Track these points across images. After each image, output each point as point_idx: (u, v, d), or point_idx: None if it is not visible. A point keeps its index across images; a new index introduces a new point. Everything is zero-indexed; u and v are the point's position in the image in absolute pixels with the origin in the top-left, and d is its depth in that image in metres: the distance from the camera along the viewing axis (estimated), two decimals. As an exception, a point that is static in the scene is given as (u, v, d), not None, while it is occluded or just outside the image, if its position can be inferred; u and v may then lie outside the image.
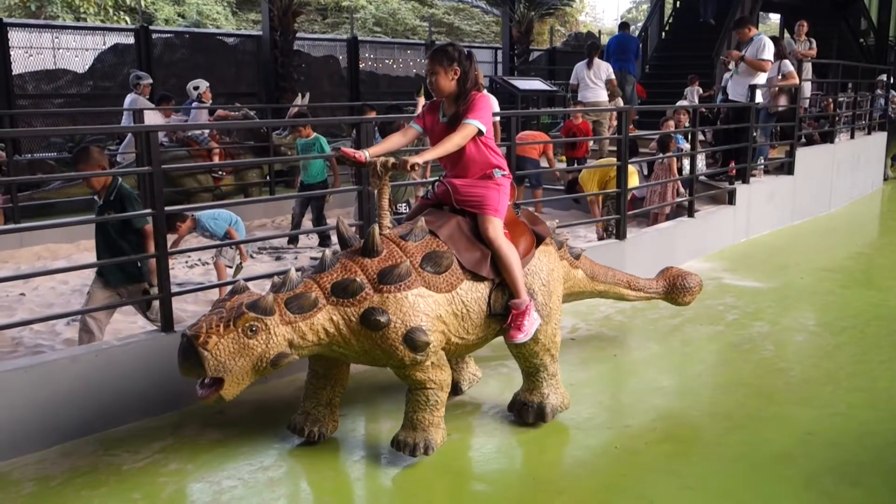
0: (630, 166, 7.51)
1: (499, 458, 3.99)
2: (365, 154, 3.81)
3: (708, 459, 3.91)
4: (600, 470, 3.85)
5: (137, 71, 11.93)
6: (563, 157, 12.18)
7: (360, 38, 20.34)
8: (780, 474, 3.74)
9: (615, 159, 7.70)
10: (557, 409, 4.25)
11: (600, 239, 8.36)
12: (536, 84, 14.17)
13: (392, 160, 3.82)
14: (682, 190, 8.95)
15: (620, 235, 7.12)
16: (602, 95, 11.74)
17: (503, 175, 4.03)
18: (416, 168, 3.74)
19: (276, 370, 3.47)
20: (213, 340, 3.25)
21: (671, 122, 10.34)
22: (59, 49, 16.76)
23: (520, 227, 4.15)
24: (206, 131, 11.18)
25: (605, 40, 18.55)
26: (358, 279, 3.57)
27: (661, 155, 8.88)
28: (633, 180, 8.01)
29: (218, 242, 6.77)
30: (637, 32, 21.07)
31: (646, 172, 9.52)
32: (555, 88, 15.30)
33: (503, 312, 3.93)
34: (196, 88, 11.51)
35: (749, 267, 8.00)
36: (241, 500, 3.53)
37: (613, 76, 11.86)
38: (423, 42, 23.25)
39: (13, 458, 3.92)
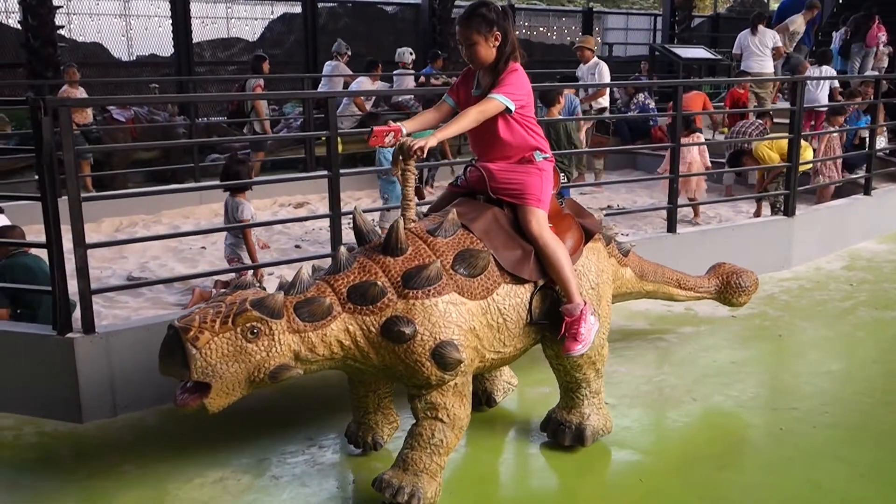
0: (803, 140, 7.13)
1: (654, 431, 3.98)
2: (402, 128, 3.28)
3: (882, 448, 3.73)
4: (764, 450, 3.76)
5: (342, 41, 12.48)
6: (725, 129, 11.73)
7: (515, 5, 20.23)
8: (964, 470, 3.53)
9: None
10: (599, 432, 3.69)
11: (756, 215, 8.04)
12: (699, 52, 13.66)
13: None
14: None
15: (789, 212, 6.80)
16: (768, 65, 11.21)
17: (545, 158, 3.47)
18: (422, 153, 3.21)
19: (274, 384, 2.95)
20: (204, 337, 2.76)
21: (858, 98, 9.71)
22: (231, 18, 17.76)
23: (566, 220, 3.58)
24: (412, 97, 11.63)
25: (774, 6, 17.56)
26: (379, 283, 3.04)
27: (831, 129, 8.40)
28: (807, 154, 7.62)
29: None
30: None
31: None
32: (718, 57, 14.68)
33: (545, 321, 3.41)
34: (412, 54, 12.00)
35: (931, 250, 7.44)
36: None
37: (780, 43, 11.27)
38: (579, 9, 22.86)
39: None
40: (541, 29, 23.03)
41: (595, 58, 10.31)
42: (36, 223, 6.32)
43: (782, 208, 7.01)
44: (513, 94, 3.31)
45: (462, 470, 3.60)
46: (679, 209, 6.41)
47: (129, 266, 6.96)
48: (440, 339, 3.04)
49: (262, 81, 10.87)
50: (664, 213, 6.54)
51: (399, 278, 3.08)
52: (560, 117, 7.47)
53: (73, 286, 4.02)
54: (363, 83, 11.26)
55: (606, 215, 7.84)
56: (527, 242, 3.36)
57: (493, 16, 3.32)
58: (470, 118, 3.27)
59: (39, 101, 3.73)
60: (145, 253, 7.30)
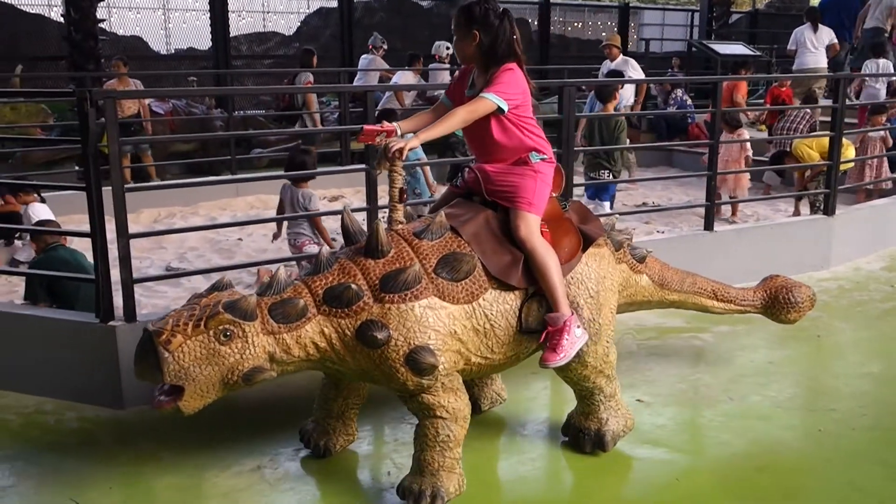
0: (844, 139, 7.02)
1: (690, 430, 3.96)
2: (397, 128, 3.23)
3: (924, 452, 3.67)
4: (802, 451, 3.73)
5: (378, 34, 12.51)
6: (763, 127, 11.60)
7: (551, 0, 20.11)
8: None
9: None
10: (619, 434, 3.62)
11: (795, 214, 7.94)
12: (738, 48, 13.46)
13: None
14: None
15: (829, 211, 6.71)
16: (822, 62, 11.08)
17: (543, 160, 3.35)
18: (400, 156, 3.12)
19: (248, 386, 2.97)
20: (177, 340, 2.77)
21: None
22: (268, 12, 17.89)
23: (563, 224, 3.43)
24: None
25: (815, 1, 17.26)
26: (355, 285, 2.99)
27: (871, 127, 8.26)
28: (849, 153, 7.50)
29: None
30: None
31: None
32: (758, 53, 14.46)
33: (539, 328, 3.29)
34: (449, 49, 12.02)
35: (975, 252, 7.29)
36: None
37: (836, 41, 11.15)
38: (615, 5, 22.66)
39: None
40: (576, 24, 22.90)
41: (621, 55, 10.32)
42: (76, 213, 6.48)
43: (822, 207, 6.92)
44: (505, 94, 3.21)
45: (493, 469, 3.62)
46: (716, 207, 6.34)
47: (167, 256, 7.07)
48: (414, 344, 2.99)
49: (311, 76, 10.94)
50: (701, 210, 6.47)
51: (377, 281, 3.04)
52: (614, 113, 7.44)
53: (113, 275, 4.08)
54: (406, 76, 11.28)
55: (642, 212, 7.87)
56: (517, 248, 3.26)
57: (478, 15, 3.24)
58: (458, 118, 3.19)
59: (86, 92, 3.80)
60: (183, 244, 7.41)
